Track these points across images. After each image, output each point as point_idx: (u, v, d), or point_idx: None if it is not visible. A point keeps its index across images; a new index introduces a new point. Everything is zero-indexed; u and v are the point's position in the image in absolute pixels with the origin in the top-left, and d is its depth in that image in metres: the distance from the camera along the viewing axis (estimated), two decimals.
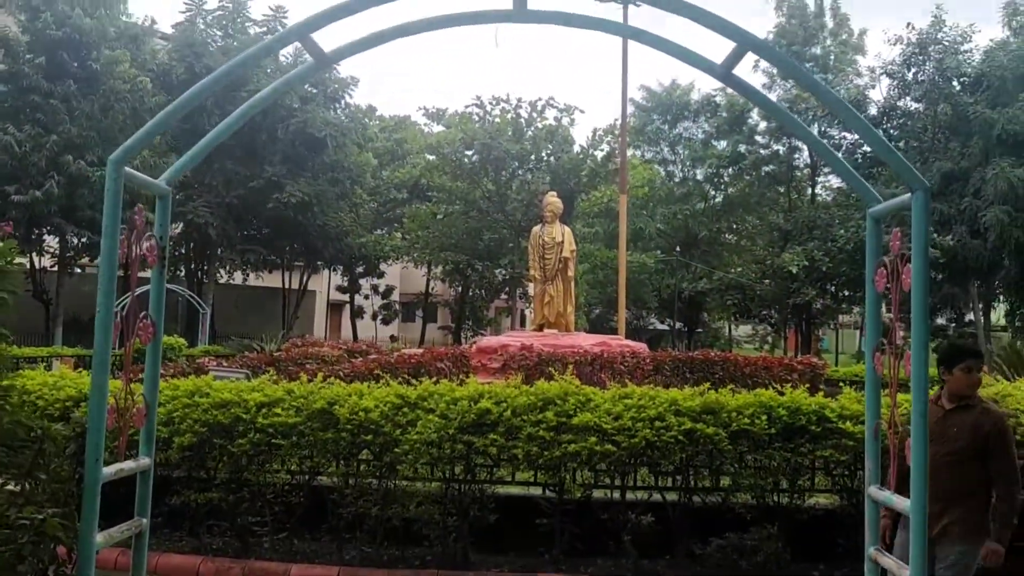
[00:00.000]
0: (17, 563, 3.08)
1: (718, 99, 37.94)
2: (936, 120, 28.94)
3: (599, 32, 3.40)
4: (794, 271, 29.39)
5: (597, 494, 6.06)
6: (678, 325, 40.02)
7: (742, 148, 37.73)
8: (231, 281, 34.02)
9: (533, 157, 29.60)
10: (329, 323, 45.76)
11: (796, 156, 37.16)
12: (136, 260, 3.31)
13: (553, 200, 16.17)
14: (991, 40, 29.14)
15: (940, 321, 35.35)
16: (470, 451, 5.74)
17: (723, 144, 38.99)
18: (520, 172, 30.05)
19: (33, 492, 3.32)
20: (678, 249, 37.79)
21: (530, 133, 29.24)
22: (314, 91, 29.21)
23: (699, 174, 40.90)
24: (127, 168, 3.19)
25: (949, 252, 26.62)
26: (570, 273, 15.77)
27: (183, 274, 32.02)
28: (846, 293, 31.27)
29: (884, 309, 3.87)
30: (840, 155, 30.13)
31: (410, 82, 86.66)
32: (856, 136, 26.09)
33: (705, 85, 40.47)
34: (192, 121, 23.30)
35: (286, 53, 28.50)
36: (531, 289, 19.56)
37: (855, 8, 78.39)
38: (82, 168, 22.20)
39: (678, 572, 5.86)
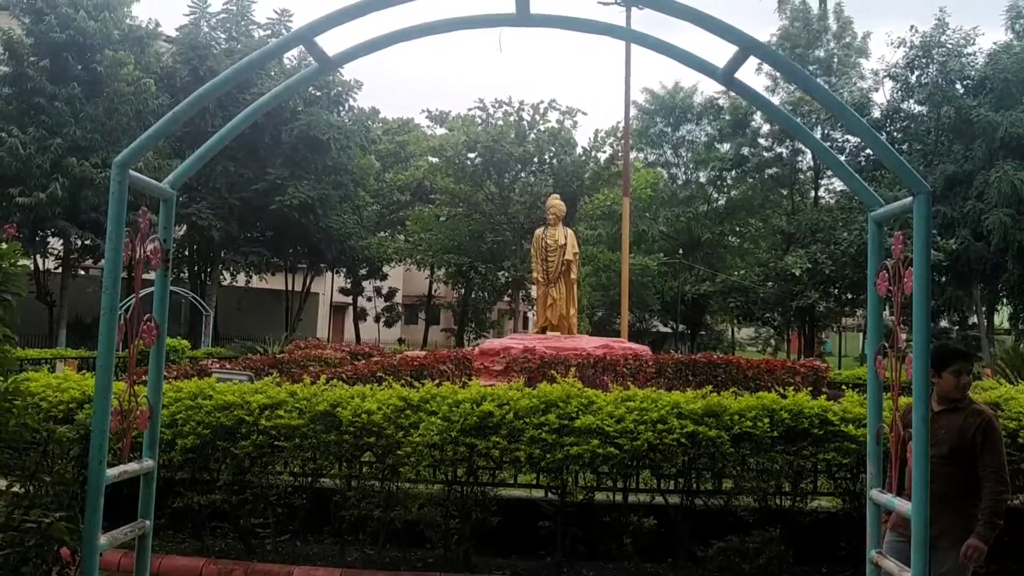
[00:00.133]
0: (21, 565, 3.09)
1: (721, 102, 37.96)
2: (939, 123, 28.91)
3: (602, 36, 3.41)
4: (797, 274, 29.40)
5: (599, 497, 6.06)
6: (681, 328, 40.01)
7: (745, 151, 37.73)
8: (234, 283, 34.08)
9: (536, 159, 29.62)
10: (332, 325, 45.80)
11: (799, 159, 37.15)
12: (140, 262, 3.33)
13: (556, 202, 16.17)
14: (994, 43, 29.16)
15: (943, 324, 35.30)
16: (472, 453, 5.74)
17: (726, 147, 39.00)
18: (523, 175, 30.08)
19: (38, 494, 3.34)
20: (681, 252, 37.79)
21: (533, 136, 29.27)
22: (318, 94, 29.29)
23: (702, 177, 40.92)
24: (131, 172, 3.20)
25: (952, 255, 26.59)
26: (573, 276, 15.76)
27: (187, 276, 32.09)
28: (849, 296, 31.24)
29: (887, 312, 3.87)
30: (843, 158, 30.17)
31: (413, 85, 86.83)
32: (859, 139, 26.07)
33: (708, 88, 40.53)
34: (194, 123, 23.38)
35: (291, 55, 28.60)
36: (534, 291, 19.57)
37: (858, 11, 78.39)
38: (86, 170, 22.28)
39: (680, 575, 5.86)
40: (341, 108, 31.45)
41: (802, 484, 5.85)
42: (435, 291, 42.87)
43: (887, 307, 3.46)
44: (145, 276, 3.56)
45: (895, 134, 31.53)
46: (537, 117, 29.36)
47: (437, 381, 6.40)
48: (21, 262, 3.78)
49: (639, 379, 12.64)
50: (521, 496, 6.31)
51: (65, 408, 6.23)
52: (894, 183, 27.09)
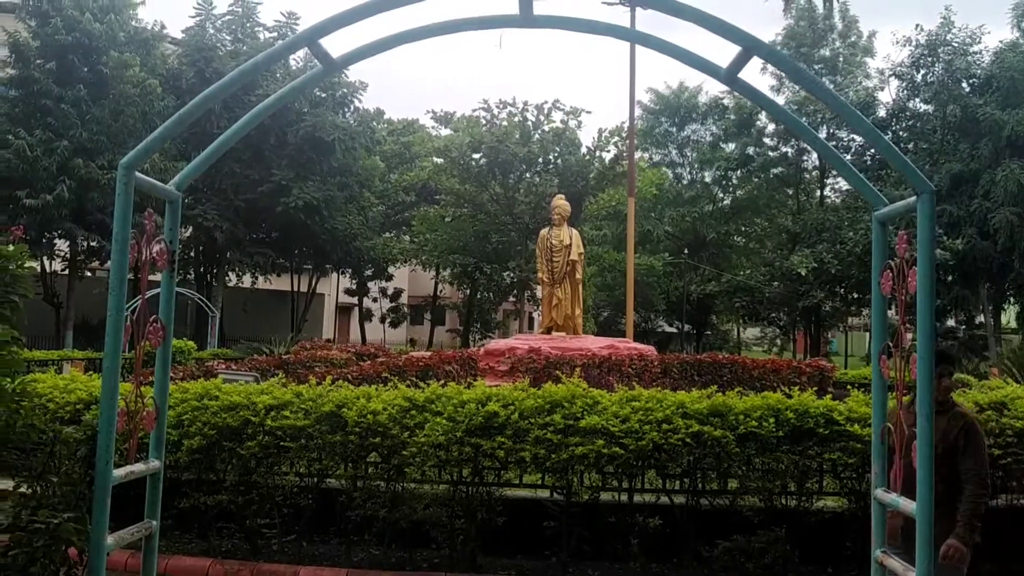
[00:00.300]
0: (29, 565, 3.11)
1: (726, 101, 37.90)
2: (945, 121, 28.83)
3: (606, 37, 3.41)
4: (803, 273, 29.35)
5: (604, 497, 6.06)
6: (686, 328, 39.96)
7: (750, 150, 37.68)
8: (240, 284, 34.14)
9: (540, 160, 29.62)
10: (338, 326, 45.88)
11: (805, 158, 37.08)
12: (146, 264, 3.34)
13: (561, 203, 16.17)
14: (1000, 41, 29.09)
15: (950, 323, 35.19)
16: (478, 454, 5.74)
17: (731, 146, 38.94)
18: (528, 175, 30.09)
19: (45, 495, 3.36)
20: (686, 252, 37.74)
21: (537, 136, 29.27)
22: (323, 95, 29.33)
23: (707, 176, 40.88)
24: (137, 173, 3.21)
25: (959, 254, 26.51)
26: (578, 276, 15.76)
27: (192, 277, 32.16)
28: (855, 296, 31.19)
29: (892, 312, 3.86)
30: (848, 157, 30.10)
31: (418, 86, 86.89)
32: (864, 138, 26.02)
33: (713, 87, 40.45)
34: (200, 125, 23.43)
35: (296, 57, 28.63)
36: (539, 292, 19.58)
37: (864, 10, 78.21)
38: (92, 172, 22.35)
39: (685, 575, 5.86)
40: (346, 109, 31.49)
41: (807, 484, 5.84)
42: (440, 292, 42.91)
43: (892, 307, 3.46)
44: (151, 277, 3.57)
45: (901, 133, 31.47)
46: (541, 117, 29.37)
47: (442, 381, 6.40)
48: (28, 264, 3.80)
49: (644, 379, 12.63)
50: (526, 496, 6.31)
51: (72, 409, 6.25)
52: (900, 182, 27.04)
